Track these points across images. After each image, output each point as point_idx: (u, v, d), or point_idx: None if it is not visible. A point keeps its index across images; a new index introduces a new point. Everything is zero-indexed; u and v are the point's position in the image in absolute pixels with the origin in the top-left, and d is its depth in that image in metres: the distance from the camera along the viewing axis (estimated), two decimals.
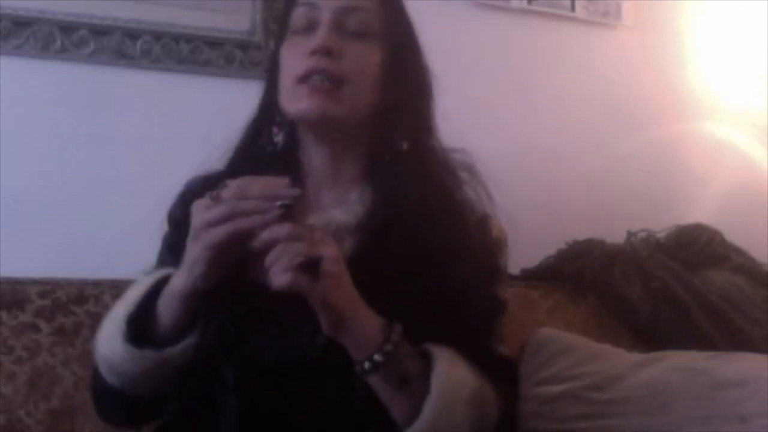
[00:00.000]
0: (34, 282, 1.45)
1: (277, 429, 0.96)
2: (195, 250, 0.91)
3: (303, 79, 1.03)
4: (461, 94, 1.78)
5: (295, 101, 1.05)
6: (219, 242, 0.88)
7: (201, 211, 0.90)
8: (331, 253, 0.88)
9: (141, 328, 0.96)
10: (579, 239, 1.83)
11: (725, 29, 2.12)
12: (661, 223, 1.88)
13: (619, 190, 2.01)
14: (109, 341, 0.97)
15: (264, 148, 1.11)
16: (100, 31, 1.64)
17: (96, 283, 1.48)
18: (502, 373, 1.06)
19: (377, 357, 0.90)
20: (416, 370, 0.93)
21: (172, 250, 1.11)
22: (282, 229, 0.87)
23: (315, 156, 1.11)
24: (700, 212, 1.99)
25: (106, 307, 1.45)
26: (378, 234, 1.01)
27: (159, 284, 0.98)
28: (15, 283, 1.43)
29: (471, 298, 1.03)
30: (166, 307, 0.96)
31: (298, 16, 1.08)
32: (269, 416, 0.96)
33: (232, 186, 0.90)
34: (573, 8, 2.02)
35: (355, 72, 1.04)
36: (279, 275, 0.85)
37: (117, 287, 1.48)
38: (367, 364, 0.90)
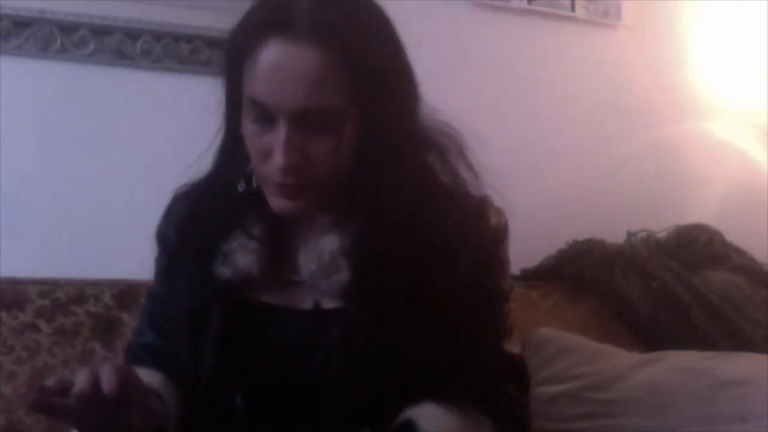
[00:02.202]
0: (34, 282, 1.45)
1: None
2: None
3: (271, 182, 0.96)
4: (460, 94, 1.79)
5: (266, 194, 0.98)
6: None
7: None
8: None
9: None
10: (579, 239, 1.84)
11: (725, 29, 2.12)
12: (661, 223, 1.88)
13: (619, 190, 2.01)
14: None
15: (236, 186, 1.03)
16: (100, 31, 1.64)
17: (96, 283, 1.48)
18: (510, 374, 1.03)
19: None
20: None
21: (166, 274, 1.08)
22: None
23: None
24: (700, 212, 1.99)
25: (107, 307, 1.46)
26: (373, 254, 0.96)
27: None
28: (15, 283, 1.44)
29: (472, 304, 0.99)
30: None
31: (251, 107, 0.95)
32: None
33: None
34: (573, 8, 2.02)
35: (326, 170, 0.94)
36: None
37: (117, 287, 1.48)
38: None
